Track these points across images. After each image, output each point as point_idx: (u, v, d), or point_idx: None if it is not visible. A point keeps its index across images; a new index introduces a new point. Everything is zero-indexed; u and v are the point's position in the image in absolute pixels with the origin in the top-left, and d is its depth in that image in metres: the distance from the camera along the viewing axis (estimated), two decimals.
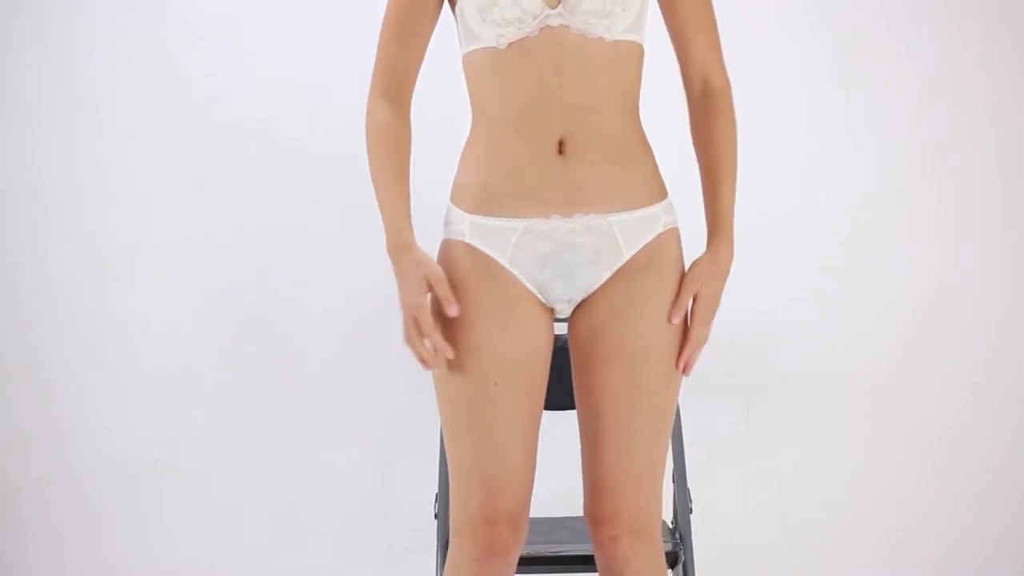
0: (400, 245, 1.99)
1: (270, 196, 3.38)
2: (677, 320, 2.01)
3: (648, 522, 2.01)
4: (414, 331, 1.97)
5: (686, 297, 2.02)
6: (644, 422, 1.99)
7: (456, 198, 2.05)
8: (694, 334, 2.03)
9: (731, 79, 2.15)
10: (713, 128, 2.09)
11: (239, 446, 3.43)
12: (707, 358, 3.36)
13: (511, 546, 1.99)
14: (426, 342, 1.97)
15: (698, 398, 2.96)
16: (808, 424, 3.40)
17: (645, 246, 2.01)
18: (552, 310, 2.05)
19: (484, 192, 2.00)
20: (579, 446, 2.07)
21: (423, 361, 1.99)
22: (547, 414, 2.40)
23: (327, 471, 3.43)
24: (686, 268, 2.06)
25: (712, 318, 2.05)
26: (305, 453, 3.44)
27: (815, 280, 3.39)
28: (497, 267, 1.99)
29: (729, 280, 3.31)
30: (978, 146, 3.38)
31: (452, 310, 1.97)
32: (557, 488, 2.54)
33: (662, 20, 2.12)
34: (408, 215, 2.01)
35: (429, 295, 1.99)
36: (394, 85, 2.05)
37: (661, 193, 2.05)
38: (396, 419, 3.39)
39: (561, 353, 2.12)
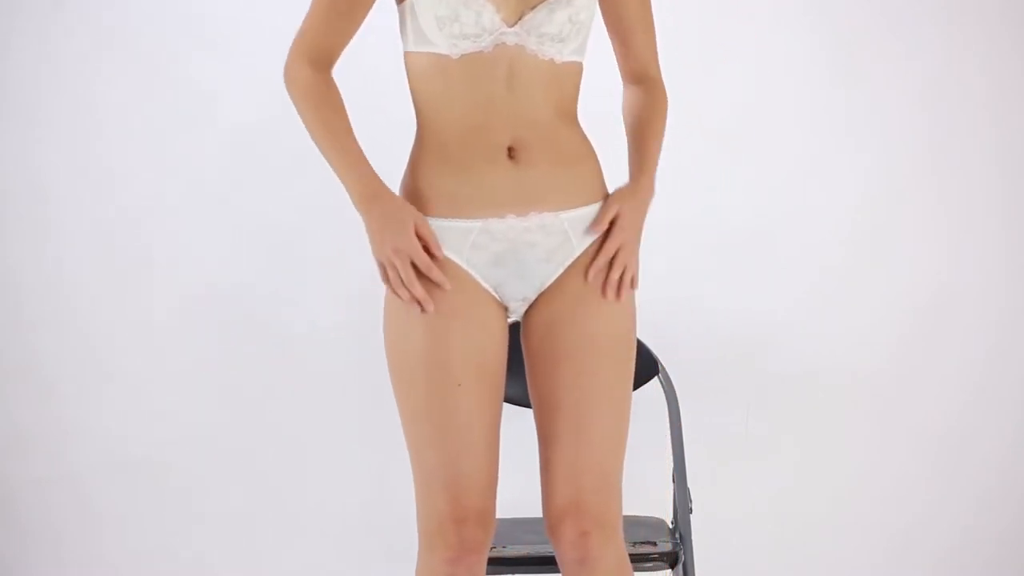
0: (373, 192, 2.00)
1: (270, 196, 3.38)
2: (597, 229, 2.02)
3: (614, 518, 2.01)
4: (411, 273, 1.96)
5: (608, 214, 2.03)
6: (603, 410, 2.00)
7: (409, 201, 2.04)
8: (612, 241, 2.03)
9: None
10: (648, 102, 2.14)
11: (239, 446, 3.42)
12: (707, 358, 3.35)
13: (482, 544, 2.00)
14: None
15: (698, 398, 2.95)
16: (808, 424, 3.39)
17: (594, 241, 2.05)
18: (506, 309, 2.07)
19: (438, 195, 2.01)
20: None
21: (418, 302, 1.97)
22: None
23: (327, 471, 3.43)
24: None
25: (635, 241, 2.05)
26: (305, 453, 3.43)
27: (815, 280, 3.39)
28: (456, 268, 2.01)
29: (729, 280, 3.33)
30: (978, 146, 3.38)
31: (439, 252, 1.97)
32: None
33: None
34: (369, 163, 2.01)
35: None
36: (322, 54, 2.06)
37: (604, 191, 2.09)
38: (396, 419, 3.38)
39: None
